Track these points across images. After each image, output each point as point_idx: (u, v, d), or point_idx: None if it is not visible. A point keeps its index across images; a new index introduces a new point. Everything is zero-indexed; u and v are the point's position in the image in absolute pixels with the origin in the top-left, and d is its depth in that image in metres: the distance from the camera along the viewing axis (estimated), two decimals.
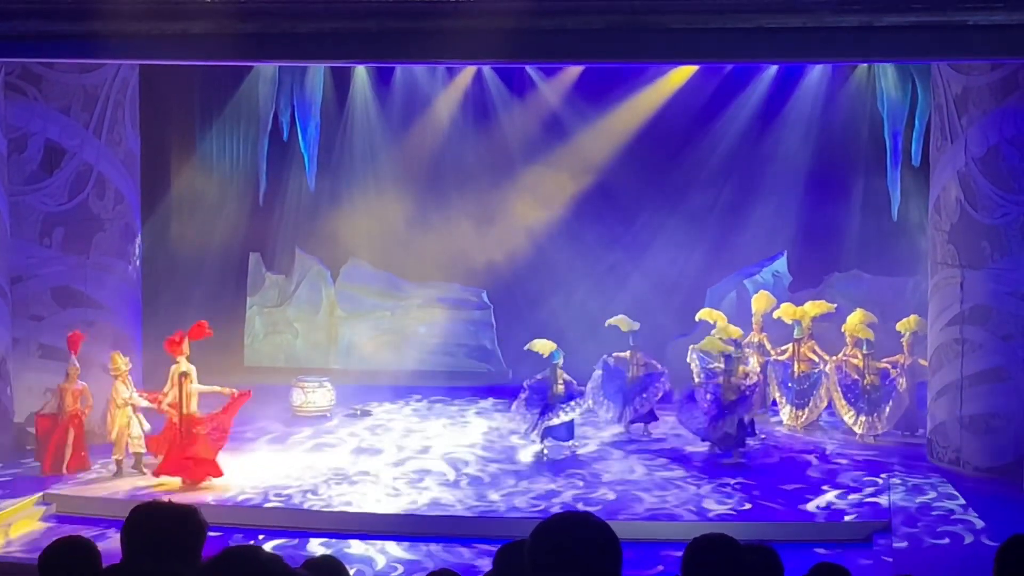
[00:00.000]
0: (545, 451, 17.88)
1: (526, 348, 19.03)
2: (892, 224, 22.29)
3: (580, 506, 15.06)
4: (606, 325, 19.86)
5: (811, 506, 15.44)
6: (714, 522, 14.51)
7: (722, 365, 18.24)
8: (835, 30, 13.76)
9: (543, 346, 18.61)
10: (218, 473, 16.10)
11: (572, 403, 18.14)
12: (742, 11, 13.77)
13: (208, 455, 16.09)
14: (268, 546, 13.35)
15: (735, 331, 18.86)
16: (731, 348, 18.31)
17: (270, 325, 23.95)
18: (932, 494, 15.81)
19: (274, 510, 15.26)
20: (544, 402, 18.06)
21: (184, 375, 16.37)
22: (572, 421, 18.21)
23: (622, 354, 19.59)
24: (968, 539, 14.07)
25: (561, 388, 18.20)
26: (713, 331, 18.97)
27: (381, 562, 13.81)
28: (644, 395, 19.24)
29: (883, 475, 16.73)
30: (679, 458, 17.79)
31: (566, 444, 18.11)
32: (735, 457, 17.48)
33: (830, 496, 15.80)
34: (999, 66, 16.18)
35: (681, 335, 21.01)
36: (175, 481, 16.08)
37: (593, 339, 22.21)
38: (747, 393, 17.81)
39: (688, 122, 22.52)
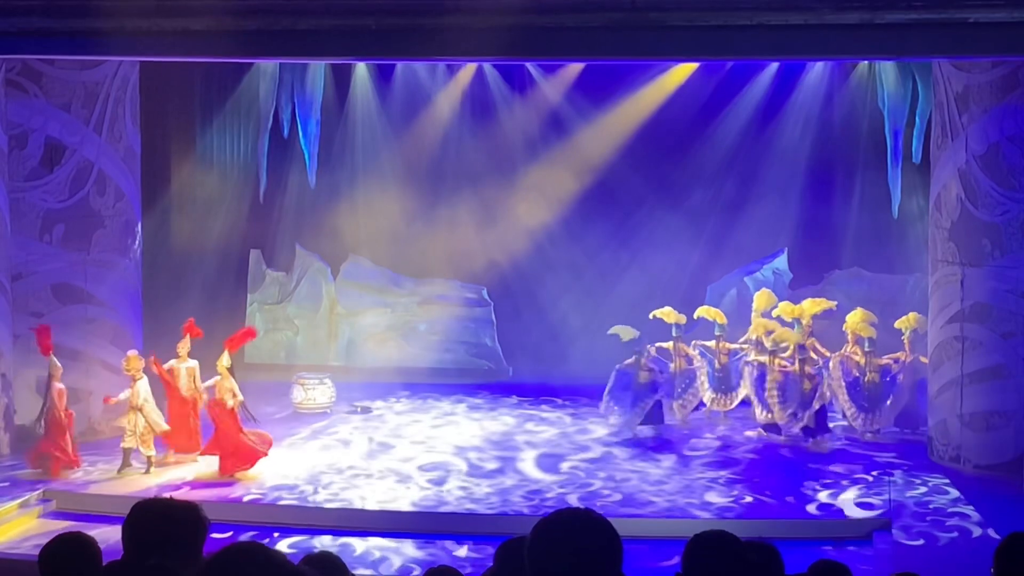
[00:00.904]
0: (648, 433, 18.63)
1: (610, 332, 19.39)
2: (893, 221, 22.29)
3: (580, 502, 15.04)
4: (651, 316, 19.87)
5: (811, 503, 15.44)
6: (715, 519, 14.52)
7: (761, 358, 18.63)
8: (836, 27, 13.75)
9: (625, 332, 18.96)
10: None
11: (659, 391, 18.86)
12: (742, 8, 13.76)
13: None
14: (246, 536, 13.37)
15: (772, 324, 18.96)
16: (807, 338, 18.76)
17: (270, 322, 23.94)
18: (933, 492, 15.82)
19: (272, 508, 15.27)
20: (632, 392, 18.58)
21: (231, 368, 16.72)
22: (660, 401, 18.85)
23: (665, 344, 19.72)
24: (968, 537, 14.08)
25: (646, 375, 18.74)
26: (773, 326, 19.08)
27: (380, 559, 13.80)
28: (692, 388, 19.69)
29: (883, 473, 16.74)
30: (682, 455, 17.81)
31: (661, 425, 18.85)
32: (820, 445, 17.98)
33: (830, 493, 15.80)
34: (1000, 63, 16.17)
35: None
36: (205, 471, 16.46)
37: (592, 335, 22.24)
38: (819, 383, 18.05)
39: (689, 119, 22.52)
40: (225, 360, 16.60)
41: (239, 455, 16.32)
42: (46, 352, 16.58)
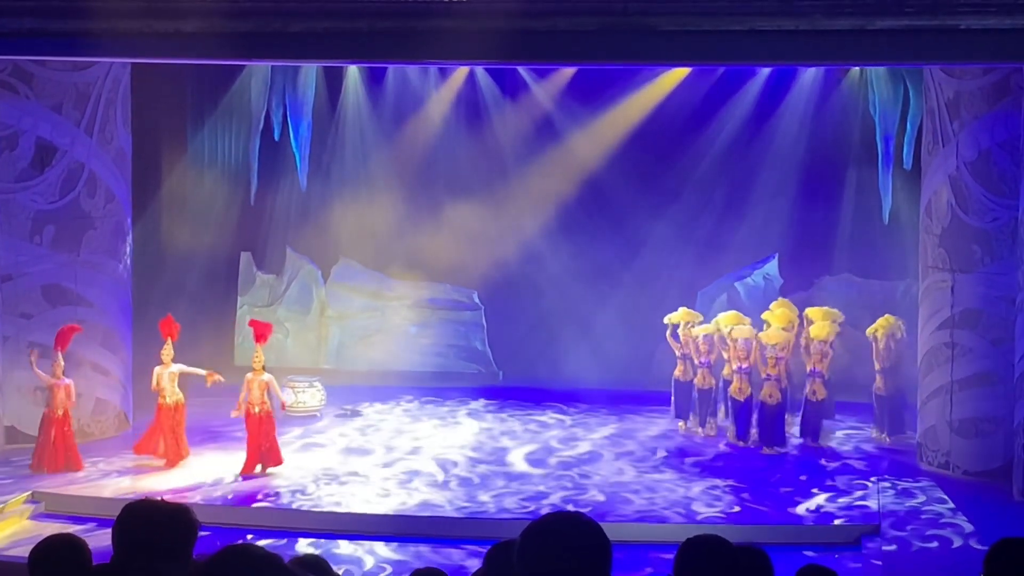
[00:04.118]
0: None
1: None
2: (883, 227, 22.29)
3: (570, 507, 15.05)
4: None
5: (801, 509, 15.45)
6: (704, 524, 14.52)
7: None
8: (828, 33, 13.77)
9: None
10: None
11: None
12: (735, 14, 13.77)
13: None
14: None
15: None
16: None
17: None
18: (922, 498, 15.85)
19: (263, 510, 15.26)
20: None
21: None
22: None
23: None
24: (957, 543, 14.10)
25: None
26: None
27: (370, 563, 13.80)
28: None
29: (873, 479, 16.77)
30: (670, 459, 17.82)
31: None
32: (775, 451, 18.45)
33: (820, 499, 15.82)
34: (991, 70, 16.20)
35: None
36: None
37: (583, 339, 22.25)
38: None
39: (680, 125, 22.50)
40: (261, 356, 17.00)
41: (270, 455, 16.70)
42: (62, 345, 16.82)
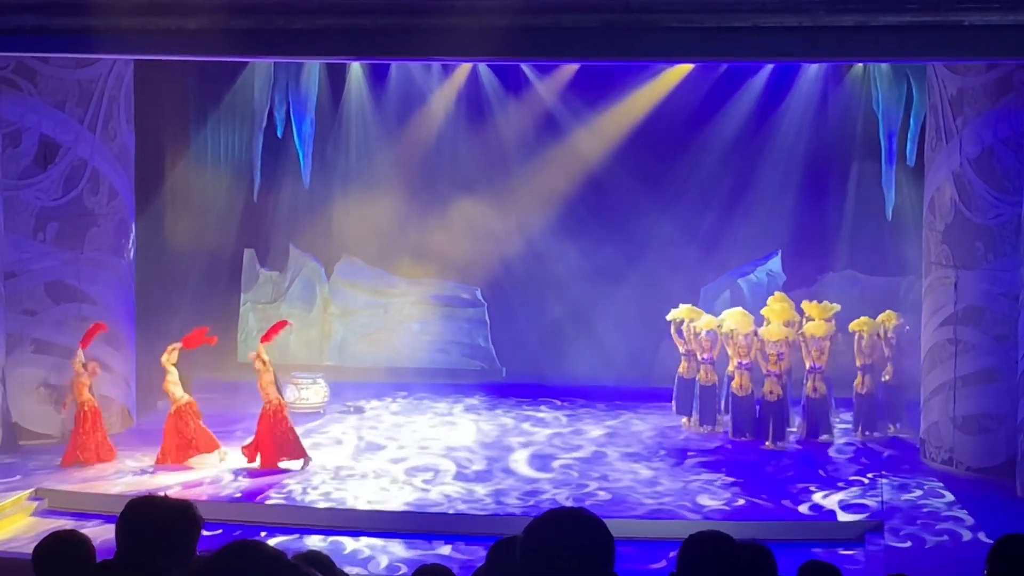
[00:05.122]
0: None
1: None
2: (886, 224, 22.27)
3: (572, 503, 15.03)
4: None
5: (803, 505, 15.44)
6: (707, 520, 14.52)
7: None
8: (831, 29, 13.75)
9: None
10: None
11: None
12: (738, 10, 13.75)
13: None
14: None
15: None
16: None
17: (263, 321, 23.79)
18: (925, 494, 15.83)
19: (263, 507, 15.26)
20: None
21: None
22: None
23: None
24: (960, 539, 14.11)
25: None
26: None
27: (371, 558, 13.80)
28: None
29: (876, 475, 16.76)
30: (673, 455, 17.82)
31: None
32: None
33: (822, 495, 15.81)
34: (994, 67, 16.18)
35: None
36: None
37: (586, 336, 22.24)
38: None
39: (683, 121, 22.48)
40: (263, 353, 17.00)
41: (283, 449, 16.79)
42: (85, 343, 17.06)
